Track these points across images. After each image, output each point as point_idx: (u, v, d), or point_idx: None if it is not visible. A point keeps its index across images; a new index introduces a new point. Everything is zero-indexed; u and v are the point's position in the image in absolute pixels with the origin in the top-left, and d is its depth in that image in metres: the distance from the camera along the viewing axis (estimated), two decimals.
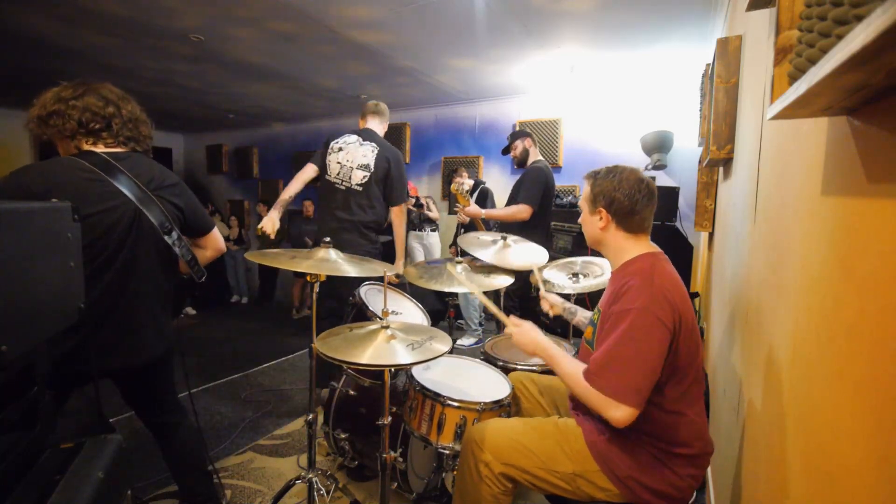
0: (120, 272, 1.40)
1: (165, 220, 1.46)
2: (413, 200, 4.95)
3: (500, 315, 1.53)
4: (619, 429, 1.22)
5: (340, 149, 2.61)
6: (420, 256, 5.06)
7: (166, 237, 1.46)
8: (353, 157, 2.62)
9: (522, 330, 1.41)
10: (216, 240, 1.67)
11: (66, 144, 1.43)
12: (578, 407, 1.39)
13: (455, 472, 1.55)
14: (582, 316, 1.78)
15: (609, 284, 1.37)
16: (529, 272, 2.37)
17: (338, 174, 2.60)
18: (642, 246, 1.32)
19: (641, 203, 1.29)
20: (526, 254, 2.25)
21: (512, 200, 3.13)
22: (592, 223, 1.36)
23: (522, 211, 2.96)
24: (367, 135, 2.68)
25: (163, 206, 1.46)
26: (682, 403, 1.22)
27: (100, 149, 1.43)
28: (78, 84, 1.43)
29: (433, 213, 5.03)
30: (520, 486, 1.33)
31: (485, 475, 1.29)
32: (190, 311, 5.66)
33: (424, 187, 6.00)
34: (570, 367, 1.26)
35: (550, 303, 1.88)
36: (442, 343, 1.38)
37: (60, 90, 1.40)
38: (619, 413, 1.13)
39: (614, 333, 1.17)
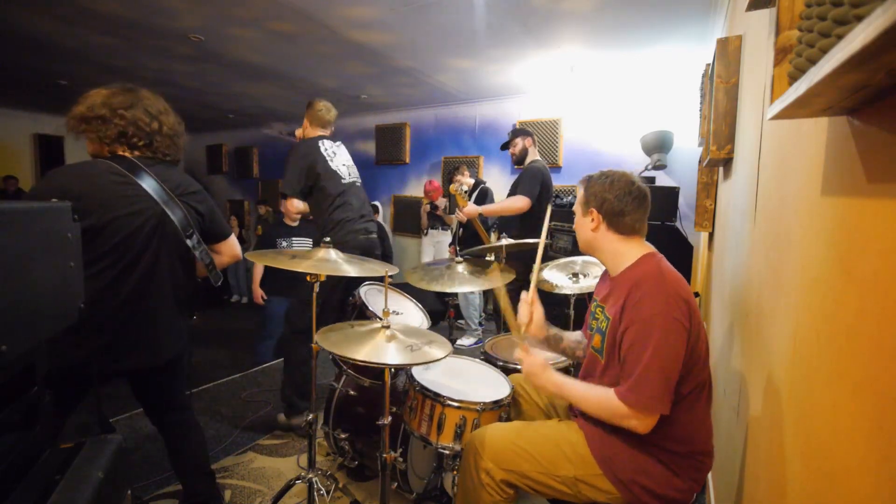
0: (144, 273, 1.44)
1: (188, 224, 1.51)
2: (428, 205, 5.13)
3: (519, 338, 1.49)
4: (624, 431, 1.22)
5: (335, 153, 2.65)
6: (429, 257, 5.08)
7: (188, 240, 1.51)
8: (347, 158, 2.72)
9: (534, 362, 1.35)
10: (233, 246, 1.73)
11: (100, 146, 1.46)
12: (581, 412, 1.38)
13: (455, 472, 1.55)
14: (570, 340, 1.61)
15: (612, 291, 1.32)
16: (529, 271, 2.37)
17: (349, 174, 2.66)
18: (639, 247, 1.32)
19: (632, 205, 1.29)
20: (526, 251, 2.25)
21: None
22: (584, 225, 1.37)
23: (519, 201, 2.93)
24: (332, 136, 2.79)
25: (186, 211, 1.50)
26: (689, 404, 1.22)
27: (131, 155, 1.47)
28: (126, 91, 1.47)
29: (448, 217, 5.15)
30: (521, 490, 1.33)
31: (486, 483, 1.29)
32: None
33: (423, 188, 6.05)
34: (591, 393, 1.25)
35: (534, 317, 1.56)
36: (440, 349, 1.38)
37: (110, 95, 1.44)
38: (643, 421, 1.15)
39: (638, 346, 1.15)
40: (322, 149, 2.59)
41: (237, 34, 3.52)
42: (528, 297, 1.58)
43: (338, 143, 2.73)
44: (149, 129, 1.47)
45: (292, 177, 2.54)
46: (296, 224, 3.80)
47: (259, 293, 3.82)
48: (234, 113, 6.67)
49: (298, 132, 2.80)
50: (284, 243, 3.70)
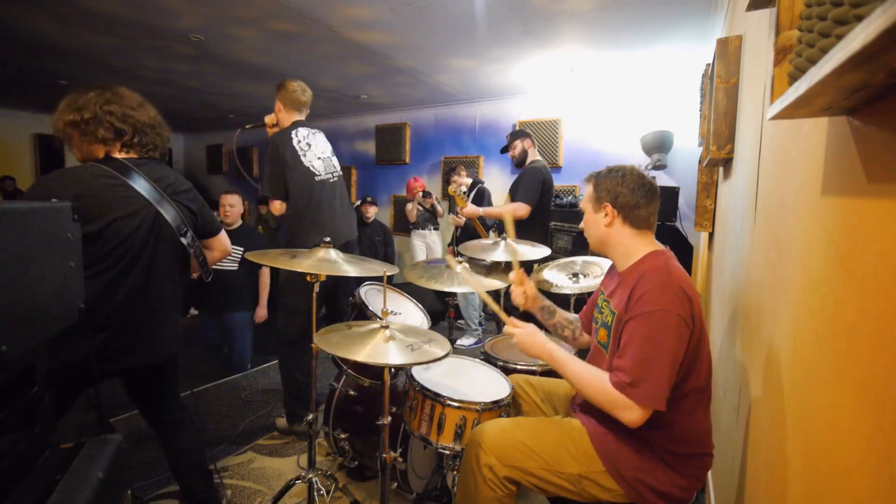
0: (142, 273, 1.45)
1: (182, 222, 1.52)
2: (420, 194, 5.00)
3: (502, 314, 1.52)
4: (626, 429, 1.22)
5: (309, 144, 2.40)
6: (422, 255, 5.08)
7: (182, 238, 1.52)
8: (324, 148, 2.48)
9: (526, 332, 1.39)
10: (223, 241, 1.75)
11: (93, 149, 1.46)
12: (582, 409, 1.39)
13: (455, 472, 1.55)
14: (562, 317, 1.66)
15: (619, 286, 1.33)
16: (530, 271, 2.38)
17: (324, 170, 2.42)
18: (649, 244, 1.32)
19: (645, 198, 1.29)
20: (527, 250, 2.25)
21: (510, 201, 3.13)
22: (597, 222, 1.35)
23: (520, 209, 2.96)
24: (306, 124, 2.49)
25: (179, 210, 1.51)
26: (691, 406, 1.22)
27: (122, 156, 1.48)
28: (104, 89, 1.46)
29: (440, 209, 5.10)
30: (521, 487, 1.33)
31: (488, 478, 1.28)
32: (192, 311, 5.67)
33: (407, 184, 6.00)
34: (585, 371, 1.25)
35: (528, 294, 1.63)
36: (439, 347, 1.38)
37: (93, 96, 1.43)
38: (638, 414, 1.14)
39: (639, 339, 1.15)
40: (294, 140, 2.32)
41: (237, 34, 3.52)
42: (516, 278, 1.63)
43: (315, 131, 2.46)
44: (134, 121, 1.47)
45: (272, 176, 2.30)
46: (232, 228, 3.52)
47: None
48: (234, 113, 6.67)
49: (269, 118, 2.50)
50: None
